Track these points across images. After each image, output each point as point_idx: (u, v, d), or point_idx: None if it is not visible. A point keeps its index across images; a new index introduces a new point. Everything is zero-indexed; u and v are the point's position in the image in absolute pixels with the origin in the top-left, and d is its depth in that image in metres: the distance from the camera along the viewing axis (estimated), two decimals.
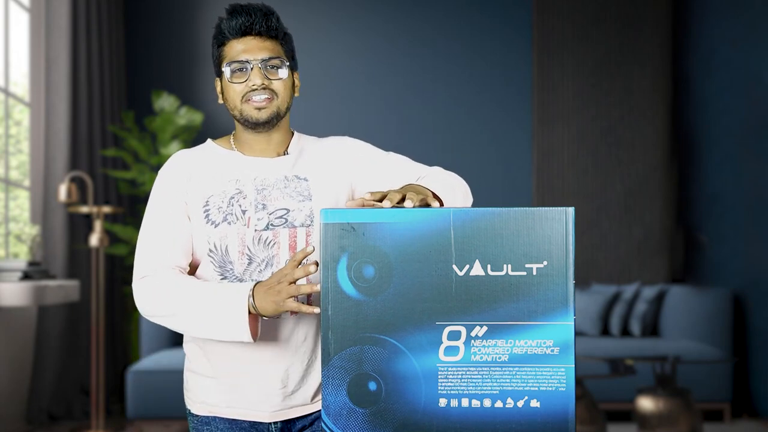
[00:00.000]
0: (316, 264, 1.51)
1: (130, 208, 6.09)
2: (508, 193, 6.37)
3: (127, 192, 5.76)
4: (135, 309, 5.74)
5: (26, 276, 4.33)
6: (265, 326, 1.69)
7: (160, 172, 1.76)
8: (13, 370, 4.78)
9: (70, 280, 4.97)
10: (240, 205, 1.70)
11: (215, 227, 1.69)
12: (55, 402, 5.07)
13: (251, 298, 1.58)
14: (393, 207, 1.46)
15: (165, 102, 5.75)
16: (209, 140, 1.82)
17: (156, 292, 1.66)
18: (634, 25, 6.35)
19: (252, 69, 1.69)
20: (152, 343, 5.12)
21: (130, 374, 4.79)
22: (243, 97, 1.70)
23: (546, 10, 6.39)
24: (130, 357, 5.85)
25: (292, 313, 1.68)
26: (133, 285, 1.71)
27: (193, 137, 5.78)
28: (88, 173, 5.40)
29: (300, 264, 1.56)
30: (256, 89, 1.69)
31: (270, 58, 1.70)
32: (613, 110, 6.34)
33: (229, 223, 1.69)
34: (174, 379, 4.60)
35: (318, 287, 1.49)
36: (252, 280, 1.68)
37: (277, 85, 1.71)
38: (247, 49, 1.70)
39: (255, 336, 1.62)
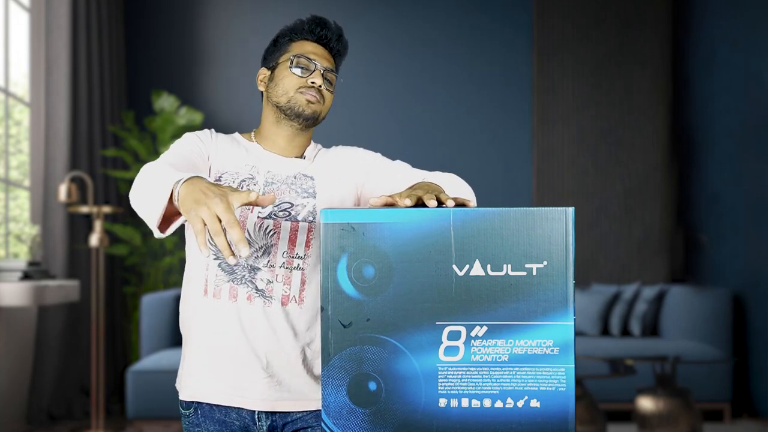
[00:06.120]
0: (256, 204, 1.44)
1: (130, 208, 6.09)
2: (508, 193, 6.37)
3: (127, 192, 5.76)
4: (135, 309, 5.74)
5: (26, 276, 4.33)
6: (253, 315, 1.71)
7: (187, 133, 1.85)
8: (13, 370, 4.78)
9: (70, 280, 4.97)
10: (249, 190, 1.72)
11: None
12: (55, 402, 5.07)
13: (183, 183, 1.45)
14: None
15: (165, 102, 5.75)
16: (236, 133, 1.91)
17: (138, 177, 1.60)
18: (634, 25, 6.35)
19: (315, 70, 1.81)
20: (152, 343, 5.12)
21: (130, 374, 4.79)
22: (299, 88, 1.80)
23: (546, 11, 6.39)
24: (130, 357, 5.84)
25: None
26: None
27: None
28: (88, 173, 5.41)
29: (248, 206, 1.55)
30: (314, 87, 1.80)
31: (330, 71, 1.84)
32: (613, 110, 6.34)
33: None
34: (174, 379, 4.61)
35: (235, 235, 1.36)
36: (248, 264, 1.72)
37: (327, 95, 1.83)
38: (318, 54, 1.83)
39: (164, 227, 1.54)
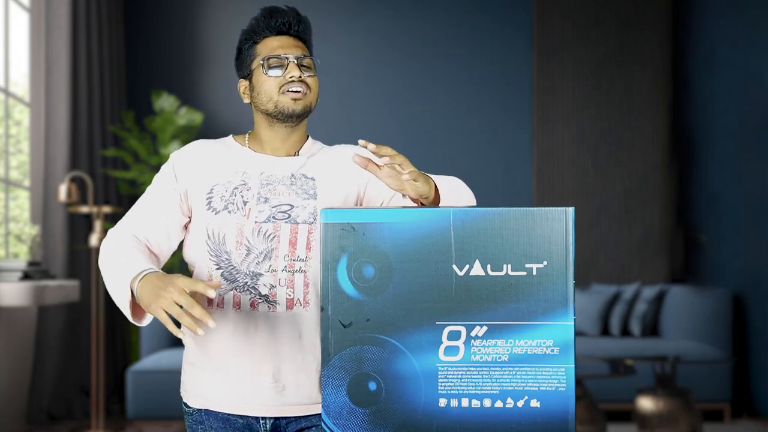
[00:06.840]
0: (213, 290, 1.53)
1: (130, 208, 6.09)
2: (508, 193, 6.37)
3: (127, 192, 5.76)
4: None
5: (26, 276, 4.33)
6: (258, 321, 1.70)
7: (171, 155, 1.83)
8: (13, 370, 4.78)
9: (70, 280, 4.97)
10: (242, 196, 1.74)
11: (215, 214, 1.74)
12: (55, 402, 5.07)
13: (138, 282, 1.61)
14: (398, 205, 1.47)
15: (165, 102, 5.75)
16: (231, 136, 1.88)
17: (103, 251, 1.77)
18: (634, 25, 6.35)
19: (289, 64, 1.76)
20: (152, 343, 5.11)
21: (130, 374, 4.79)
22: (280, 88, 1.76)
23: (546, 11, 6.39)
24: (130, 357, 5.84)
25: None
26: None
27: (193, 137, 5.78)
28: (88, 173, 5.40)
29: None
30: (294, 81, 1.75)
31: (304, 57, 1.78)
32: (613, 110, 6.34)
33: (230, 212, 1.73)
34: (174, 379, 4.60)
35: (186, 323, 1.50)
36: (250, 270, 1.71)
37: (310, 81, 1.78)
38: (284, 46, 1.78)
39: (139, 318, 1.68)
